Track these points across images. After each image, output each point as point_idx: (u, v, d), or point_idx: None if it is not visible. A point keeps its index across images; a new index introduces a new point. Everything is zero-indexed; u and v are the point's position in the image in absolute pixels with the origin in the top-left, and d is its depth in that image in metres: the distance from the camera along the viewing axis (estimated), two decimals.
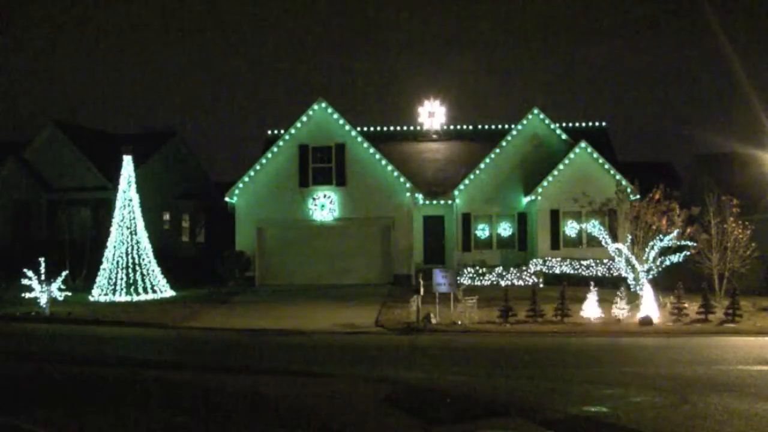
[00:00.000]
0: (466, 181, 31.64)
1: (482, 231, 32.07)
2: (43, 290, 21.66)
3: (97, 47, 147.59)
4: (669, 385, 11.17)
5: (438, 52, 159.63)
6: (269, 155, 30.38)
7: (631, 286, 22.48)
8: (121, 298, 24.66)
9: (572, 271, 28.17)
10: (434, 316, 19.03)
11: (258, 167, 30.23)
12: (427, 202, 31.43)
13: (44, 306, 21.54)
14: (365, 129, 33.83)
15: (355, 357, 14.97)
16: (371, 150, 30.11)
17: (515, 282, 28.26)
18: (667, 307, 19.67)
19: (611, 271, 26.64)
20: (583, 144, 30.24)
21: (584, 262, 28.32)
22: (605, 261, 26.98)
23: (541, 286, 26.97)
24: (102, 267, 25.42)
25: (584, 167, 29.99)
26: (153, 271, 25.83)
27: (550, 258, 29.24)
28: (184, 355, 15.52)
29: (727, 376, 11.96)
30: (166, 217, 37.40)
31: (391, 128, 36.27)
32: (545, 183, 30.15)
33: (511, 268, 29.02)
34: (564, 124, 33.60)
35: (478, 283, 28.27)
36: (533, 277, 28.48)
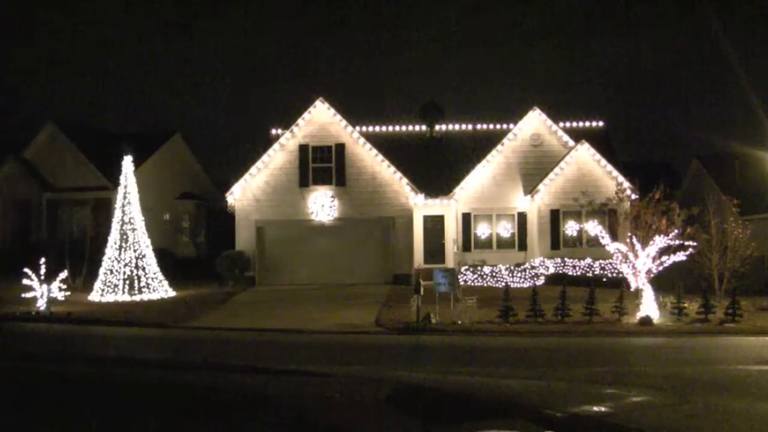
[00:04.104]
0: (466, 181, 31.61)
1: (482, 231, 32.05)
2: (43, 290, 21.65)
3: (97, 47, 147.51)
4: (669, 385, 11.16)
5: (438, 52, 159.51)
6: (269, 155, 30.36)
7: (631, 286, 22.49)
8: (121, 298, 24.65)
9: (572, 271, 28.17)
10: (434, 316, 19.02)
11: (258, 167, 30.22)
12: (427, 202, 31.40)
13: (44, 306, 21.54)
14: (365, 129, 33.80)
15: (355, 357, 14.97)
16: (371, 150, 30.09)
17: (515, 282, 28.25)
18: (667, 307, 19.68)
19: (611, 271, 26.65)
20: (583, 144, 30.23)
21: (584, 262, 28.32)
22: (605, 261, 26.98)
23: (541, 285, 26.99)
24: (102, 267, 25.41)
25: (584, 167, 29.98)
26: (153, 271, 25.82)
27: (550, 258, 29.24)
28: (184, 355, 15.51)
29: (727, 376, 11.96)
30: (166, 217, 37.39)
31: (391, 128, 36.24)
32: (545, 183, 30.14)
33: (511, 268, 29.02)
34: (564, 124, 33.57)
35: (478, 283, 28.27)
36: (533, 277, 28.48)
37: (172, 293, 26.09)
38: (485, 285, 28.05)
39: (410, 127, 36.41)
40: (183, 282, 27.84)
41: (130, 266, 25.18)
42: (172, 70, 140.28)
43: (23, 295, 22.53)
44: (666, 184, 23.44)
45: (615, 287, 21.79)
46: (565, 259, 28.86)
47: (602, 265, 27.70)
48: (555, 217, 30.24)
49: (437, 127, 36.01)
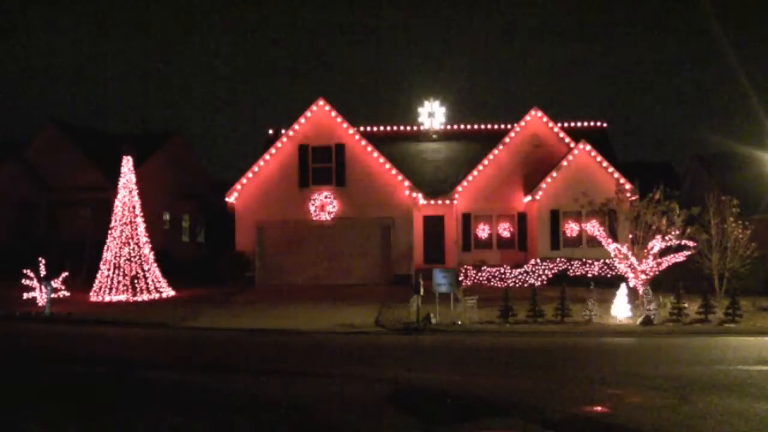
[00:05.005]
0: (466, 181, 31.65)
1: (482, 231, 32.08)
2: (43, 290, 21.66)
3: (97, 47, 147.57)
4: (669, 385, 11.17)
5: (438, 52, 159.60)
6: (269, 155, 30.37)
7: (631, 286, 22.48)
8: (121, 298, 24.67)
9: (572, 271, 28.18)
10: (434, 316, 19.03)
11: (258, 167, 30.23)
12: (427, 202, 31.44)
13: (44, 306, 21.56)
14: (365, 129, 33.82)
15: (355, 357, 14.97)
16: (371, 150, 30.10)
17: (515, 282, 28.26)
18: (667, 308, 19.68)
19: (611, 271, 26.64)
20: (583, 144, 30.25)
21: (584, 262, 28.30)
22: (605, 261, 26.97)
23: (541, 285, 26.99)
24: (102, 267, 25.42)
25: (584, 167, 29.99)
26: (153, 271, 25.83)
27: (550, 258, 29.25)
28: (184, 355, 15.52)
29: (727, 376, 11.96)
30: (166, 217, 37.41)
31: (391, 128, 36.28)
32: (545, 183, 30.16)
33: (511, 268, 29.02)
34: (564, 124, 33.61)
35: (478, 283, 28.28)
36: (533, 277, 28.48)
37: (172, 293, 26.11)
38: (485, 285, 28.06)
39: (410, 127, 36.47)
40: (183, 282, 27.84)
41: (130, 266, 25.20)
42: (172, 70, 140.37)
43: (23, 296, 22.54)
44: (666, 185, 23.39)
45: (615, 287, 21.79)
46: (565, 259, 28.86)
47: (602, 265, 27.70)
48: (555, 217, 30.26)
49: (437, 127, 36.05)
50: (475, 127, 36.08)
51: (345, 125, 30.27)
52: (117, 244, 25.43)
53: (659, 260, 22.31)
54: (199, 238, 40.13)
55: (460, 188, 31.62)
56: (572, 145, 30.81)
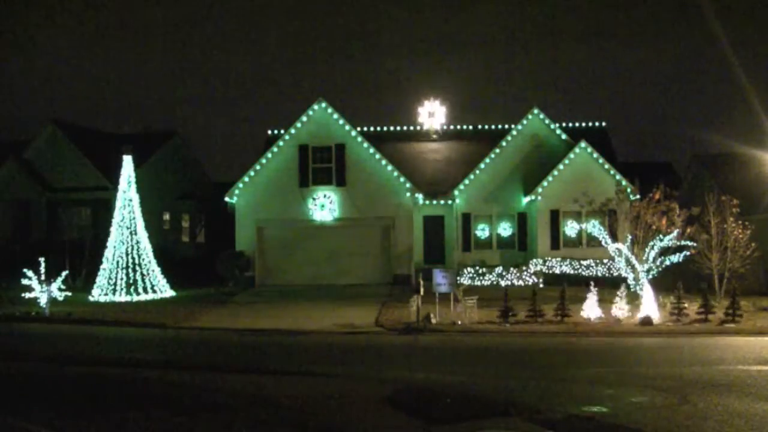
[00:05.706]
0: (467, 181, 31.64)
1: (482, 231, 32.07)
2: (43, 290, 21.65)
3: (97, 47, 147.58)
4: (669, 385, 11.17)
5: (438, 52, 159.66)
6: (269, 155, 30.37)
7: (631, 286, 22.48)
8: (121, 298, 24.66)
9: (572, 271, 28.16)
10: (434, 316, 19.03)
11: (258, 167, 30.22)
12: (427, 202, 31.42)
13: (44, 306, 21.54)
14: (365, 129, 33.80)
15: (355, 357, 14.98)
16: (371, 150, 30.10)
17: (515, 282, 28.24)
18: (667, 307, 19.67)
19: (611, 271, 26.63)
20: (583, 144, 30.25)
21: (584, 262, 28.29)
22: (605, 261, 26.96)
23: (541, 286, 26.97)
24: (102, 267, 25.42)
25: (584, 167, 29.99)
26: (153, 271, 25.83)
27: (550, 258, 29.24)
28: (184, 355, 15.52)
29: (727, 376, 11.95)
30: (166, 217, 37.39)
31: (391, 128, 36.27)
32: (545, 183, 30.16)
33: (511, 268, 29.01)
34: (564, 124, 33.60)
35: (478, 283, 28.26)
36: (533, 277, 28.47)
37: (172, 293, 26.10)
38: (485, 285, 28.04)
39: (410, 127, 36.46)
40: (183, 282, 27.82)
41: (130, 267, 25.19)
42: (172, 70, 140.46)
43: (23, 296, 22.52)
44: (666, 184, 23.39)
45: (615, 287, 21.78)
46: (565, 259, 28.85)
47: (602, 265, 27.68)
48: (555, 217, 30.26)
49: (437, 127, 36.04)
50: (476, 127, 36.06)
51: (345, 125, 30.27)
52: (117, 243, 25.43)
53: (659, 260, 22.31)
54: (199, 238, 40.12)
55: (460, 188, 31.62)
56: (572, 144, 30.81)
